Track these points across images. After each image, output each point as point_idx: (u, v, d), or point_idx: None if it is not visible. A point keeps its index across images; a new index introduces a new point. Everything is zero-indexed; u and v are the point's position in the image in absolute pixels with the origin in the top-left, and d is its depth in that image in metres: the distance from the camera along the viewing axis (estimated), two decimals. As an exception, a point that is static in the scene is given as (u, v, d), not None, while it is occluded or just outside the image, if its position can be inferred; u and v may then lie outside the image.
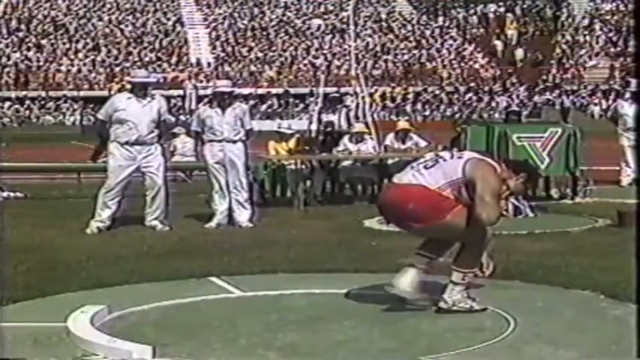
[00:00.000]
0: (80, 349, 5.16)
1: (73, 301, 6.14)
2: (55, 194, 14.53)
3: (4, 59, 52.02)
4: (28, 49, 53.15)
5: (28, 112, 49.40)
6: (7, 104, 49.35)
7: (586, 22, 57.72)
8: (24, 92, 49.83)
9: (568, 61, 54.54)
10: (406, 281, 5.92)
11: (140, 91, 10.50)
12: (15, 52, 52.76)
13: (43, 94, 50.06)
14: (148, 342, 5.15)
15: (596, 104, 49.76)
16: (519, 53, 54.90)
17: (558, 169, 12.33)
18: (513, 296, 6.40)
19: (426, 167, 5.82)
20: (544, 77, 53.24)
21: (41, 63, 52.01)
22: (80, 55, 53.01)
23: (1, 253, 8.03)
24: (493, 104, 50.50)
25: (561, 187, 13.24)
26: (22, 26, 55.11)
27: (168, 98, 43.55)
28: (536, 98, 50.66)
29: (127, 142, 10.32)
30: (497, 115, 44.58)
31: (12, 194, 14.38)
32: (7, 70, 51.30)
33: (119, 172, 10.29)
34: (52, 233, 10.15)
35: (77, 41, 54.26)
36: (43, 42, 53.78)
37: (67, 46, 53.78)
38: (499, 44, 56.25)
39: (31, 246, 9.15)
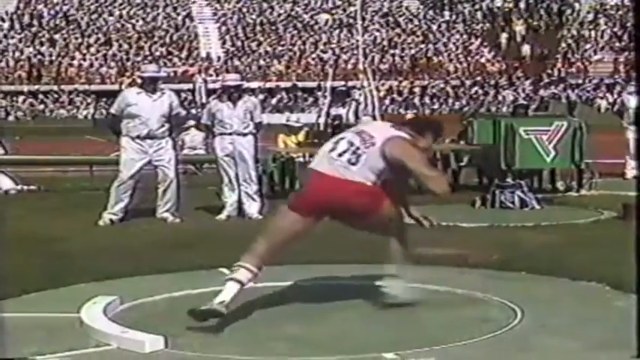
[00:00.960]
0: (93, 340, 5.20)
1: (85, 292, 6.19)
2: (67, 187, 14.62)
3: (17, 54, 52.20)
4: (41, 43, 53.29)
5: (42, 105, 49.53)
6: (20, 98, 49.51)
7: (591, 16, 57.60)
8: (37, 86, 50.00)
9: (573, 56, 54.45)
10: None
11: (150, 85, 10.58)
12: (28, 46, 52.92)
13: (56, 88, 50.21)
14: (159, 332, 5.19)
15: (601, 98, 49.69)
16: (526, 49, 54.79)
17: (564, 161, 12.37)
18: (519, 288, 6.44)
19: (350, 163, 5.57)
20: (549, 71, 53.15)
21: (54, 57, 52.14)
22: (92, 49, 53.12)
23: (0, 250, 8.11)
24: (499, 98, 50.45)
25: (567, 180, 13.29)
26: (35, 21, 55.26)
27: (178, 92, 43.77)
28: (541, 92, 50.59)
29: (138, 137, 10.41)
30: (504, 109, 44.53)
31: (25, 187, 14.48)
32: (20, 64, 51.46)
33: (131, 166, 10.39)
34: (65, 225, 10.23)
35: (89, 36, 54.39)
36: (56, 37, 53.91)
37: (79, 40, 53.89)
38: (504, 37, 56.15)
39: (44, 238, 9.23)
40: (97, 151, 17.72)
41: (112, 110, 11.02)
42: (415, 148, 5.70)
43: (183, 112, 11.56)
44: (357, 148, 5.58)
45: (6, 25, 54.80)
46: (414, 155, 5.62)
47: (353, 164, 5.55)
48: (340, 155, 5.60)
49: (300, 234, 5.76)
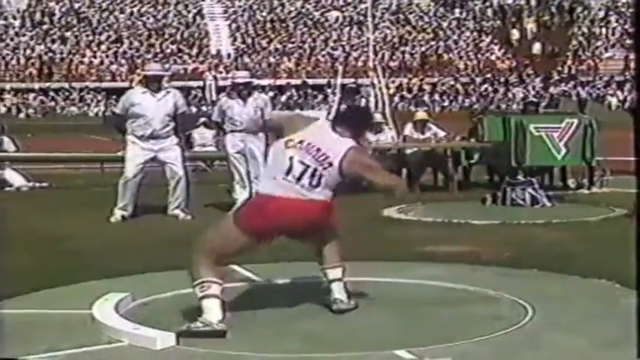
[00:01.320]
0: (105, 336, 5.22)
1: (97, 289, 6.20)
2: (79, 184, 14.67)
3: (28, 51, 52.35)
4: (52, 41, 53.43)
5: (52, 103, 49.67)
6: (31, 95, 49.66)
7: (602, 13, 57.47)
8: (48, 84, 50.14)
9: (584, 53, 54.32)
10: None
11: (154, 84, 10.59)
12: (39, 44, 53.06)
13: (67, 85, 50.35)
14: (171, 329, 5.21)
15: (612, 95, 49.58)
16: (537, 47, 54.70)
17: (575, 159, 12.36)
18: (531, 285, 6.45)
19: (312, 185, 5.52)
20: (560, 69, 53.07)
21: (65, 55, 52.28)
22: (103, 47, 53.23)
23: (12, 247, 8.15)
24: (509, 95, 50.40)
25: (578, 178, 13.28)
26: (46, 19, 55.40)
27: (188, 89, 43.82)
28: (551, 89, 50.51)
29: (142, 136, 10.44)
30: (514, 107, 44.48)
31: (37, 184, 14.54)
32: (31, 61, 51.61)
33: (135, 164, 10.40)
34: (76, 222, 10.26)
35: (100, 33, 54.50)
36: (67, 34, 54.04)
37: (90, 38, 54.01)
38: (515, 33, 56.07)
39: (56, 235, 9.26)
40: (107, 149, 17.75)
41: (117, 110, 11.05)
42: (366, 156, 6.06)
43: (189, 110, 11.58)
44: (315, 170, 5.53)
45: (17, 22, 54.96)
46: (370, 166, 5.80)
47: (315, 186, 5.54)
48: (299, 179, 5.52)
49: (242, 252, 5.71)
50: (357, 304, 5.84)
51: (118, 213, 10.37)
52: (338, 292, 5.81)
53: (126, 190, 10.41)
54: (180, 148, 10.72)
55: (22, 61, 51.78)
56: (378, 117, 15.33)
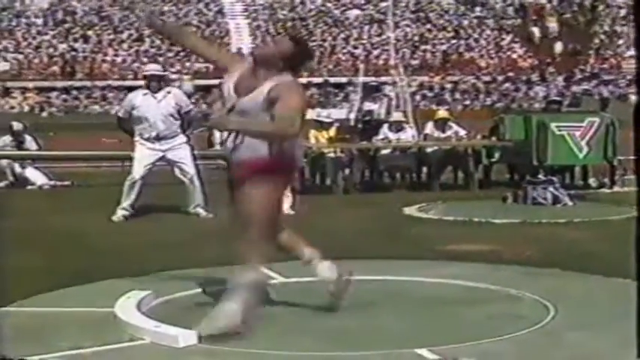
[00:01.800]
0: (127, 334, 5.24)
1: (119, 287, 6.23)
2: (100, 182, 14.72)
3: (51, 50, 52.65)
4: (75, 40, 53.71)
5: (75, 101, 49.92)
6: (54, 94, 49.92)
7: (624, 12, 57.20)
8: (70, 82, 50.39)
9: (606, 51, 54.07)
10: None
11: (153, 84, 10.61)
12: (62, 42, 53.36)
13: (89, 84, 50.58)
14: (192, 327, 5.22)
15: (634, 94, 49.36)
16: (558, 46, 54.51)
17: (597, 158, 12.32)
18: (553, 284, 6.42)
19: None
20: (582, 67, 52.87)
21: (87, 53, 52.54)
22: (124, 45, 53.45)
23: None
24: (531, 94, 50.24)
25: (599, 176, 13.23)
26: (69, 18, 55.69)
27: (209, 88, 43.95)
28: (574, 88, 50.32)
29: (148, 138, 10.47)
30: (536, 105, 44.32)
31: (59, 182, 14.61)
32: (54, 60, 51.89)
33: (143, 165, 10.42)
34: (98, 220, 10.31)
35: (121, 32, 54.75)
36: (89, 33, 54.31)
37: (112, 36, 54.25)
38: (536, 31, 55.88)
39: (78, 233, 9.31)
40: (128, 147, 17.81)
41: (119, 113, 11.08)
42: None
43: (194, 109, 11.53)
44: None
45: (40, 21, 55.26)
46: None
47: None
48: None
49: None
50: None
51: (120, 212, 10.40)
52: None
53: (132, 190, 10.44)
54: (189, 146, 10.73)
55: (45, 59, 52.10)
56: (399, 115, 15.34)
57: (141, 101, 10.53)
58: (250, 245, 5.23)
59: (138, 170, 10.45)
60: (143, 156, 10.46)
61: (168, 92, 10.70)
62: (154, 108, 10.43)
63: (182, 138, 10.62)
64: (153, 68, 11.36)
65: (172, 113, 10.50)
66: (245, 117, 5.20)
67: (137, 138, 10.56)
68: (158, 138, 10.44)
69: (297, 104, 5.23)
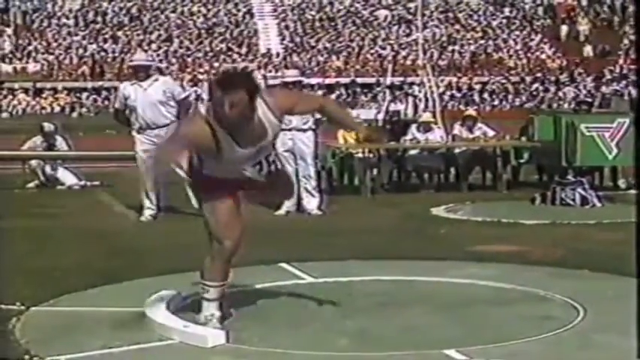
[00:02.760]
0: (156, 334, 5.27)
1: (148, 287, 6.26)
2: (129, 182, 14.78)
3: (81, 51, 52.98)
4: (105, 40, 53.98)
5: (105, 102, 50.18)
6: (84, 94, 50.21)
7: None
8: (100, 82, 50.67)
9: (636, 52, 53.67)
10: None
11: (140, 74, 10.62)
12: (92, 43, 53.64)
13: (118, 84, 50.75)
14: (220, 327, 5.27)
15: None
16: (588, 50, 54.21)
17: (626, 159, 12.23)
18: (582, 285, 6.41)
19: None
20: (611, 68, 52.54)
21: (116, 54, 52.79)
22: (153, 46, 53.60)
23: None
24: (560, 94, 49.99)
25: (629, 178, 13.15)
26: (99, 18, 56.00)
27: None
28: (603, 89, 50.01)
29: (141, 128, 10.44)
30: (565, 106, 44.09)
31: (88, 182, 14.70)
32: (84, 60, 52.22)
33: (145, 159, 10.35)
34: (127, 220, 10.38)
35: (151, 32, 54.96)
36: (119, 34, 54.57)
37: (141, 37, 54.47)
38: (564, 29, 55.60)
39: (108, 232, 9.37)
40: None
41: (115, 105, 11.12)
42: None
43: (187, 95, 11.39)
44: None
45: (71, 22, 55.60)
46: None
47: None
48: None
49: None
50: None
51: (147, 213, 10.42)
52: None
53: (147, 188, 10.41)
54: None
55: (75, 60, 52.38)
56: (427, 116, 15.32)
57: (130, 91, 10.54)
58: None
59: (142, 166, 10.42)
60: (143, 150, 10.38)
61: (156, 80, 10.66)
62: (141, 96, 10.38)
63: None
64: (138, 58, 11.40)
65: (161, 101, 10.37)
66: (269, 149, 5.29)
67: (133, 132, 10.54)
68: (149, 127, 10.36)
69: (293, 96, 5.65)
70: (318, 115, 10.89)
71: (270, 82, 42.82)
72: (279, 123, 5.21)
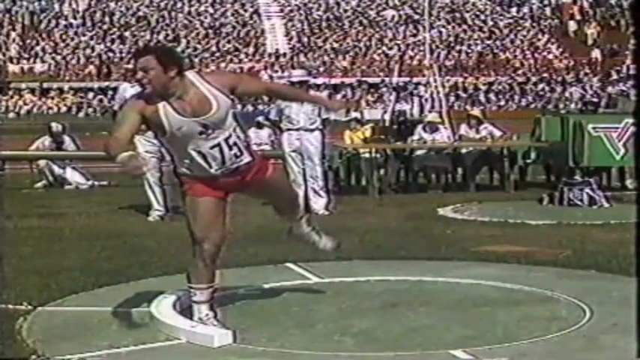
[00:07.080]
0: (163, 334, 5.27)
1: (155, 286, 6.29)
2: (138, 182, 14.79)
3: (88, 51, 53.07)
4: (112, 41, 54.08)
5: (111, 102, 50.25)
6: (90, 95, 50.29)
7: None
8: (106, 83, 50.74)
9: (643, 52, 53.67)
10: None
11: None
12: (99, 43, 53.74)
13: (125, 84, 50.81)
14: (227, 327, 5.27)
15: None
16: (596, 53, 54.14)
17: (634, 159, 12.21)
18: (589, 286, 6.39)
19: None
20: (618, 68, 52.48)
21: (124, 54, 52.86)
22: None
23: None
24: (566, 95, 49.94)
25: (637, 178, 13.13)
26: (106, 19, 56.09)
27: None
28: (609, 89, 49.93)
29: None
30: (572, 106, 44.03)
31: (96, 182, 14.73)
32: (91, 60, 52.30)
33: (147, 159, 10.35)
34: (135, 220, 10.39)
35: (158, 33, 55.03)
36: (126, 34, 54.66)
37: (148, 37, 54.54)
38: (572, 24, 55.52)
39: (115, 232, 9.38)
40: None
41: (115, 107, 11.12)
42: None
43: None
44: None
45: (78, 22, 55.69)
46: None
47: None
48: None
49: None
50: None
51: (154, 213, 10.46)
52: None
53: (153, 190, 10.42)
54: None
55: (82, 60, 52.47)
56: (434, 116, 15.31)
57: (129, 93, 10.55)
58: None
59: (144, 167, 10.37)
60: (145, 152, 10.38)
61: None
62: None
63: None
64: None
65: None
66: (221, 125, 5.22)
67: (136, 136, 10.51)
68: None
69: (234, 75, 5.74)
70: (325, 115, 10.92)
71: (277, 81, 42.90)
72: (228, 100, 5.20)
